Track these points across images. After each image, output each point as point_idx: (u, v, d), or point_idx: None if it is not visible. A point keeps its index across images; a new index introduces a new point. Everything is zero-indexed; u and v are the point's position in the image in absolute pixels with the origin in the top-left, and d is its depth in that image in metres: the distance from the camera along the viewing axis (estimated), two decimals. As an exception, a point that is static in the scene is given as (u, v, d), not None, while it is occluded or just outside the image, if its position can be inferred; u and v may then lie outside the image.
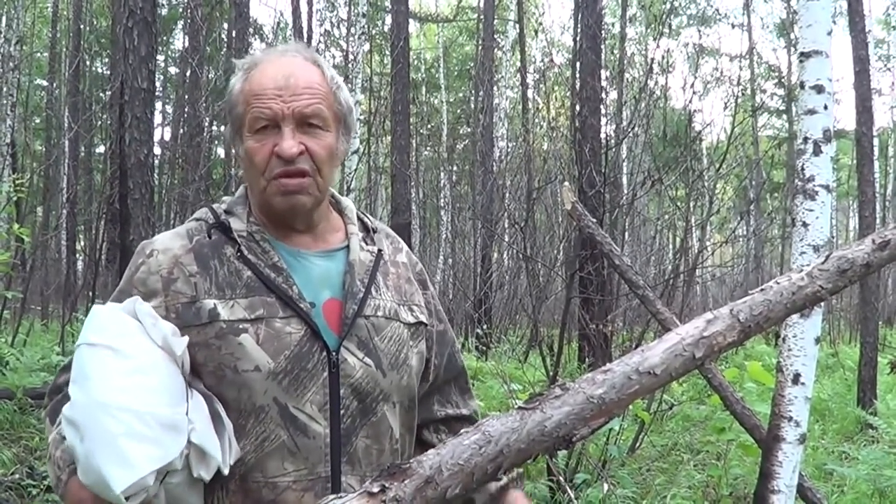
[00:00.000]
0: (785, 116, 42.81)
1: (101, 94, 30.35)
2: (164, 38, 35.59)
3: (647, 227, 23.20)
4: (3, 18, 24.87)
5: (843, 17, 23.27)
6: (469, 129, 34.86)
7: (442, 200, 32.03)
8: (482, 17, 31.57)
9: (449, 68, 44.09)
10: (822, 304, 2.60)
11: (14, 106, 23.25)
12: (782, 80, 43.13)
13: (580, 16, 17.34)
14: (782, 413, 4.77)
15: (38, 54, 34.00)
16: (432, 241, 35.00)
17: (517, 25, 31.72)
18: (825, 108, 4.87)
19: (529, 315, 13.71)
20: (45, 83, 35.69)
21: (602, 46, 17.72)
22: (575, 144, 13.86)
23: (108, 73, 28.80)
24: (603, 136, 15.66)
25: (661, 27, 16.14)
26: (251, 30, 26.58)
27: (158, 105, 35.84)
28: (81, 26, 29.28)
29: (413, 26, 38.19)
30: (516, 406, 1.88)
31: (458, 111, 41.74)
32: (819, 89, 4.88)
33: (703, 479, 8.79)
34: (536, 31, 27.98)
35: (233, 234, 2.37)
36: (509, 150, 28.14)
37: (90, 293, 13.92)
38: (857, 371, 13.44)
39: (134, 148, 10.91)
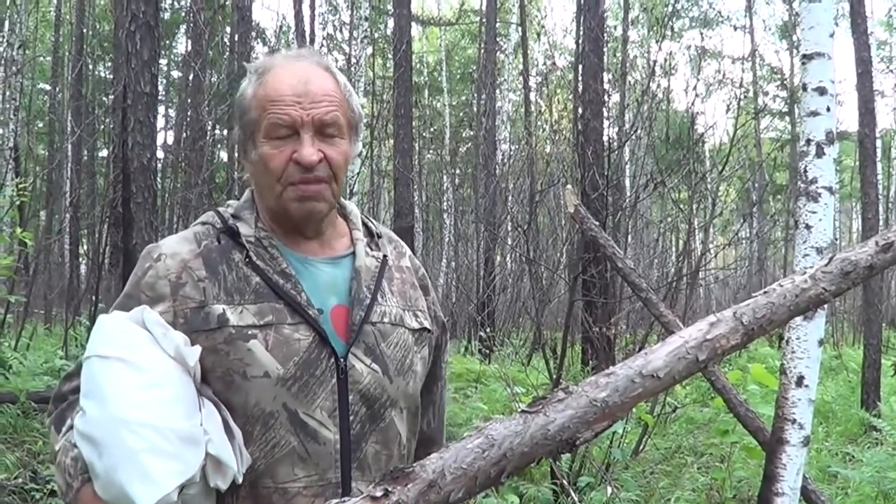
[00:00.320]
0: (787, 118, 42.78)
1: (103, 98, 30.36)
2: (167, 41, 35.59)
3: (649, 230, 23.20)
4: (6, 22, 24.89)
5: (845, 18, 23.29)
6: (472, 133, 34.94)
7: (445, 204, 32.06)
8: (484, 20, 31.55)
9: (451, 71, 44.11)
10: (826, 306, 2.60)
11: (17, 110, 23.27)
12: (784, 82, 43.14)
13: (582, 18, 17.35)
14: (786, 415, 4.77)
15: (41, 58, 33.99)
16: (435, 244, 35.01)
17: (519, 28, 31.75)
18: (828, 109, 4.87)
19: (532, 318, 13.69)
20: (47, 87, 35.71)
21: (604, 49, 17.69)
22: (577, 147, 13.87)
23: (111, 76, 28.87)
24: (606, 138, 15.65)
25: (663, 30, 16.15)
26: (254, 34, 26.59)
27: (161, 109, 35.83)
28: (84, 30, 29.29)
29: (415, 30, 38.23)
30: (519, 409, 1.88)
31: (461, 114, 41.80)
32: (821, 91, 4.88)
33: (707, 481, 8.78)
34: (539, 34, 28.03)
35: (241, 239, 2.37)
36: (512, 153, 28.15)
37: (93, 297, 13.89)
38: (861, 373, 13.43)
39: (137, 152, 10.91)
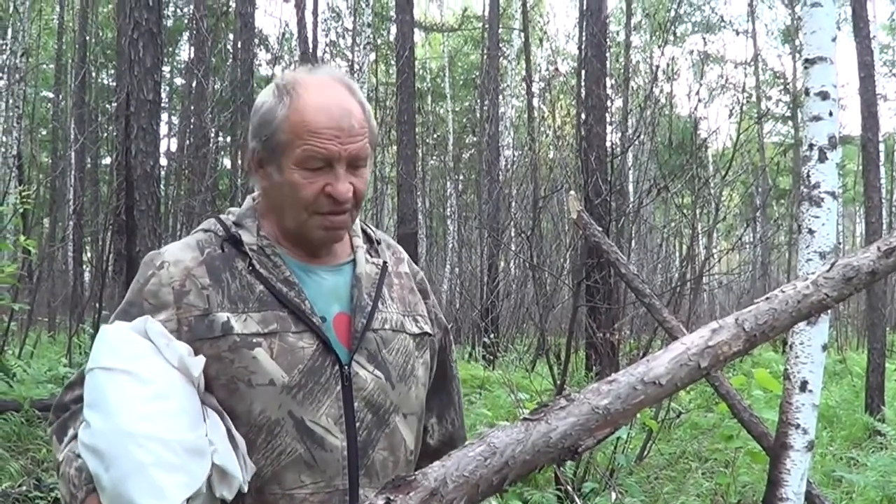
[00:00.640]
0: (790, 123, 42.76)
1: (107, 106, 30.38)
2: (170, 49, 35.62)
3: (653, 235, 23.19)
4: (9, 30, 24.90)
5: (847, 23, 23.31)
6: (475, 138, 34.88)
7: (448, 210, 32.03)
8: (487, 26, 31.57)
9: (454, 77, 44.08)
10: (830, 310, 2.59)
11: (20, 118, 23.28)
12: (787, 86, 43.09)
13: (585, 24, 17.35)
14: (790, 420, 4.76)
15: (44, 66, 34.02)
16: (439, 250, 35.02)
17: (522, 34, 31.73)
18: (830, 114, 4.87)
19: (536, 324, 13.71)
20: (51, 95, 35.74)
21: (607, 54, 17.72)
22: (581, 153, 13.87)
23: (114, 84, 28.88)
24: (608, 144, 15.66)
25: (665, 35, 16.15)
26: (256, 40, 26.60)
27: (164, 116, 35.95)
28: (87, 38, 29.34)
29: (418, 36, 38.21)
30: (522, 417, 1.88)
31: (464, 120, 41.77)
32: (824, 96, 4.88)
33: (712, 486, 8.77)
34: (541, 40, 28.06)
35: (244, 247, 2.37)
36: (515, 158, 28.18)
37: (97, 304, 13.89)
38: (865, 377, 13.41)
39: (140, 159, 10.92)
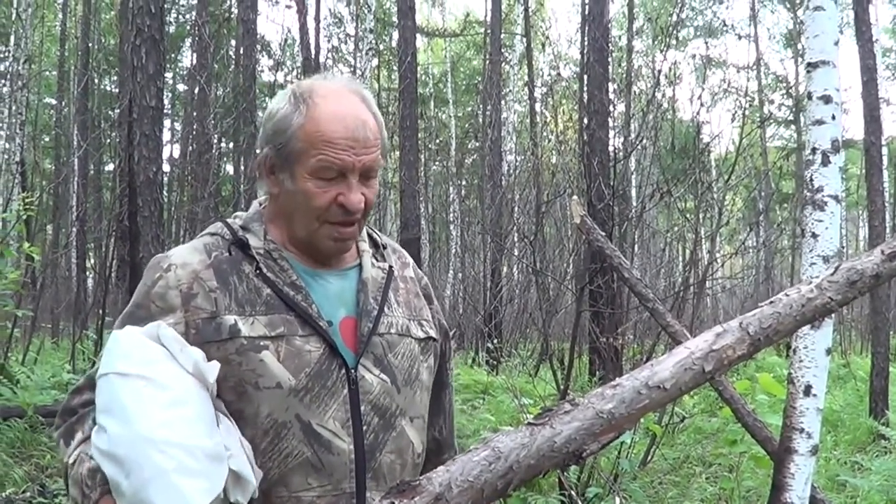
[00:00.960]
0: (793, 127, 42.76)
1: (109, 112, 30.43)
2: (172, 55, 35.70)
3: (656, 240, 23.15)
4: (12, 37, 24.94)
5: (849, 26, 23.27)
6: (477, 144, 34.91)
7: (451, 215, 32.03)
8: (489, 31, 31.61)
9: (457, 83, 44.12)
10: (833, 314, 2.59)
11: (23, 124, 23.32)
12: (790, 90, 43.09)
13: (587, 29, 17.37)
14: (794, 425, 4.76)
15: (47, 73, 34.11)
16: (442, 255, 35.03)
17: (524, 39, 31.78)
18: (833, 118, 4.87)
19: (540, 329, 13.71)
20: (53, 101, 35.84)
21: (609, 59, 17.71)
22: (583, 157, 13.88)
23: (117, 91, 28.91)
24: (611, 148, 15.66)
25: (667, 39, 16.14)
26: (259, 47, 26.65)
27: (167, 122, 35.93)
28: (90, 45, 29.39)
29: (420, 41, 38.24)
30: (526, 421, 1.88)
31: (467, 125, 41.75)
32: (827, 99, 4.88)
33: (716, 491, 8.77)
34: (543, 45, 27.90)
35: (251, 250, 2.37)
36: (518, 163, 28.23)
37: (100, 311, 13.89)
38: (869, 381, 13.39)
39: (143, 165, 10.94)
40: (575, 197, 6.87)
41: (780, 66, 47.22)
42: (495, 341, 18.38)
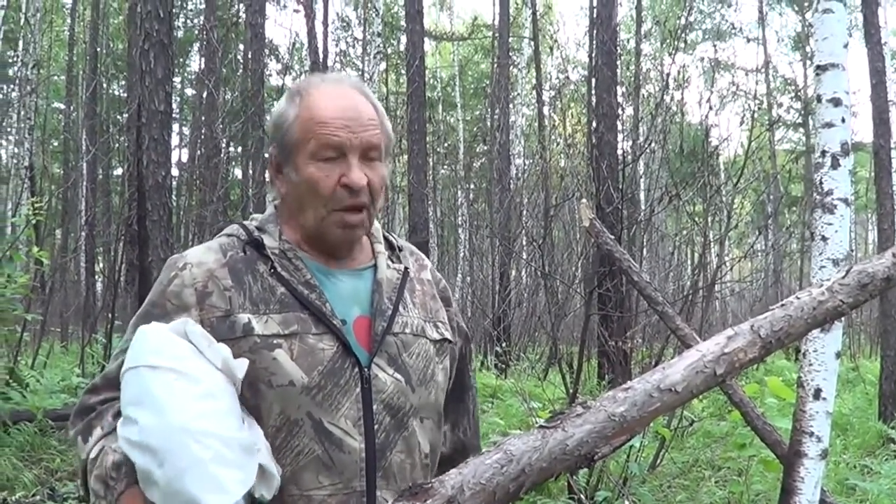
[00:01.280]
0: (802, 130, 42.72)
1: (118, 117, 30.50)
2: (181, 60, 35.72)
3: (665, 243, 23.17)
4: (21, 42, 24.97)
5: (858, 29, 23.26)
6: (485, 147, 34.93)
7: (459, 219, 32.05)
8: (497, 34, 31.55)
9: (465, 86, 44.15)
10: (843, 318, 2.59)
11: (32, 129, 23.33)
12: (798, 93, 43.07)
13: (595, 32, 17.39)
14: (804, 428, 4.75)
15: (56, 78, 34.12)
16: (450, 259, 35.04)
17: (532, 43, 31.74)
18: (842, 121, 4.86)
19: (548, 332, 13.70)
20: (62, 106, 35.86)
21: (618, 62, 17.69)
22: (592, 161, 13.87)
23: (125, 95, 28.99)
24: (620, 152, 15.64)
25: (676, 42, 16.13)
26: (267, 51, 26.66)
27: (175, 127, 35.99)
28: (98, 49, 29.45)
29: (428, 45, 38.28)
30: (537, 424, 1.88)
31: (475, 129, 41.83)
32: (836, 102, 4.87)
33: (725, 495, 8.76)
34: (552, 48, 27.99)
35: (266, 250, 2.39)
36: (526, 167, 28.19)
37: (109, 315, 13.90)
38: (878, 385, 13.38)
39: (152, 170, 10.95)
40: (584, 200, 6.87)
41: (789, 69, 47.12)
42: (504, 345, 18.42)
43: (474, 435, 2.85)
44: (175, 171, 23.10)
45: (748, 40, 45.02)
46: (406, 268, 2.59)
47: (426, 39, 29.13)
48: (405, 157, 22.45)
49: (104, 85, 31.73)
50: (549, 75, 36.02)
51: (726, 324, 23.87)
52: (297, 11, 31.89)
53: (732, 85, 38.63)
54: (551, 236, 17.50)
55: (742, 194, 19.19)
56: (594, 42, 17.64)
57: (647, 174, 19.81)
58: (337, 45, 33.96)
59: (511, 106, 30.88)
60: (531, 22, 31.98)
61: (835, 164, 4.81)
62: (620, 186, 12.52)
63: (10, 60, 29.81)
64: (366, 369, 2.32)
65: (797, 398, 4.86)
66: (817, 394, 4.75)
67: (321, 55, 22.40)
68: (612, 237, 6.12)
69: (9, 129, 28.47)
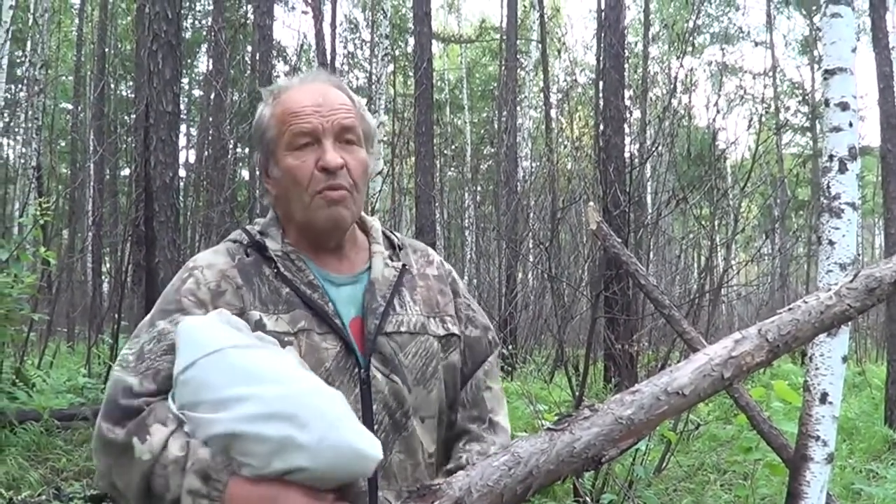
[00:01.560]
0: (809, 134, 42.69)
1: (125, 118, 30.46)
2: (189, 61, 35.77)
3: (671, 247, 23.11)
4: (29, 42, 25.03)
5: (866, 33, 23.23)
6: (493, 150, 34.89)
7: (466, 221, 32.06)
8: (505, 37, 31.61)
9: (472, 89, 44.19)
10: (849, 322, 2.59)
11: (39, 129, 23.38)
12: (806, 97, 43.04)
13: (603, 35, 17.35)
14: (810, 432, 4.75)
15: (63, 78, 34.13)
16: (457, 261, 34.93)
17: (540, 45, 31.75)
18: (850, 125, 4.87)
19: (555, 335, 13.67)
20: (70, 107, 35.85)
21: (625, 65, 17.69)
22: (599, 164, 13.86)
23: (133, 96, 28.94)
24: (627, 155, 15.64)
25: (684, 46, 16.12)
26: (275, 52, 26.67)
27: (183, 128, 36.02)
28: (106, 50, 29.47)
29: (436, 47, 38.26)
30: (545, 427, 1.89)
31: (482, 131, 41.82)
32: (844, 106, 4.87)
33: (731, 499, 8.76)
34: (559, 51, 27.90)
35: (269, 252, 2.42)
36: (533, 169, 28.16)
37: (116, 315, 13.91)
38: (885, 389, 13.36)
39: (159, 171, 10.96)
40: (591, 203, 6.87)
41: (796, 73, 47.05)
42: (510, 347, 18.39)
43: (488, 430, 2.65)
44: (182, 172, 23.15)
45: (756, 44, 44.95)
46: (404, 265, 2.59)
47: (434, 42, 29.14)
48: (412, 158, 22.42)
49: (112, 85, 31.73)
50: (556, 78, 36.05)
51: (732, 328, 23.85)
52: (305, 13, 31.90)
53: (740, 88, 38.55)
54: (558, 239, 17.51)
55: (749, 198, 19.18)
56: (602, 45, 17.58)
57: (654, 177, 19.77)
58: (345, 47, 34.05)
59: (518, 108, 30.84)
60: (539, 24, 31.98)
61: (842, 168, 4.81)
62: (627, 189, 12.53)
63: (19, 60, 29.85)
64: (363, 370, 2.34)
65: (803, 402, 4.86)
66: (824, 398, 4.75)
67: (329, 57, 22.40)
68: (619, 240, 6.12)
69: (16, 129, 28.53)
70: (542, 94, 33.06)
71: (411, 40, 29.25)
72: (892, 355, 13.32)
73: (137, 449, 2.10)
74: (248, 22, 25.48)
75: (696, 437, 11.52)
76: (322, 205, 2.36)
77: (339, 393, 2.10)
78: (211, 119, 23.52)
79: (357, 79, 37.78)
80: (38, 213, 10.58)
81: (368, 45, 33.67)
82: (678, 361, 2.03)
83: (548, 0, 36.05)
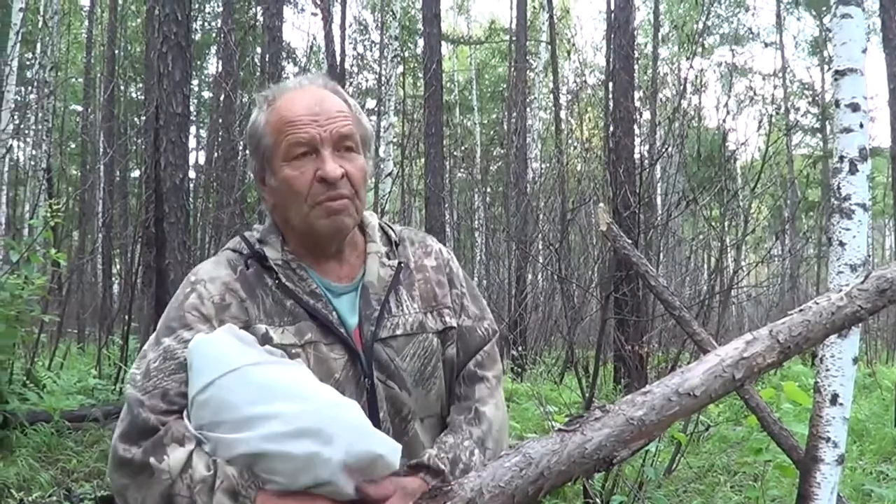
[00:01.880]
0: (819, 135, 42.65)
1: (135, 119, 30.54)
2: (198, 62, 35.83)
3: (681, 248, 23.12)
4: (39, 45, 25.07)
5: (876, 34, 23.21)
6: (502, 151, 34.84)
7: (476, 222, 32.02)
8: (514, 38, 31.59)
9: (482, 90, 44.19)
10: (860, 323, 2.59)
11: (50, 131, 23.46)
12: (816, 98, 42.99)
13: (612, 36, 17.35)
14: (820, 434, 4.75)
15: (73, 80, 34.19)
16: (467, 262, 34.91)
17: (549, 47, 31.69)
18: (861, 126, 4.86)
19: (564, 336, 13.67)
20: (80, 109, 35.89)
21: (635, 66, 17.67)
22: (609, 165, 13.85)
23: (143, 98, 28.96)
24: (637, 156, 15.61)
25: (693, 47, 16.10)
26: (284, 54, 26.67)
27: (193, 129, 36.03)
28: (116, 52, 29.49)
29: (446, 49, 38.30)
30: (556, 428, 1.89)
31: (492, 133, 41.75)
32: (854, 107, 4.86)
33: (741, 500, 8.74)
34: (569, 52, 27.90)
35: (269, 262, 2.40)
36: (543, 171, 28.11)
37: (126, 316, 13.91)
38: (895, 391, 13.33)
39: (169, 172, 10.97)
40: (601, 204, 6.86)
41: (806, 74, 47.01)
42: (520, 349, 18.38)
43: (473, 421, 2.52)
44: (192, 174, 23.16)
45: (766, 45, 44.96)
46: (400, 262, 2.57)
47: (443, 43, 29.13)
48: (422, 160, 22.42)
49: (122, 87, 31.76)
50: (566, 79, 36.04)
51: (742, 329, 23.82)
52: (314, 15, 31.96)
53: (750, 90, 38.50)
54: (568, 240, 17.51)
55: (759, 199, 19.18)
56: (611, 46, 17.58)
57: (664, 178, 19.77)
58: (354, 49, 34.03)
59: (528, 109, 30.83)
60: (548, 26, 31.93)
61: (853, 169, 4.80)
62: (637, 191, 12.51)
63: (29, 62, 29.92)
64: (367, 379, 2.34)
65: (814, 403, 4.85)
66: (834, 399, 4.74)
67: (338, 58, 22.43)
68: (629, 241, 6.11)
69: (27, 131, 28.58)
70: (551, 96, 33.09)
71: (421, 42, 29.25)
72: (902, 357, 13.30)
73: (155, 468, 2.09)
74: (257, 24, 25.50)
75: (707, 439, 11.50)
76: (322, 214, 2.35)
77: (353, 402, 2.11)
78: (221, 121, 23.49)
79: (367, 80, 37.87)
80: (48, 214, 10.57)
81: (378, 46, 33.69)
82: (688, 363, 2.03)
83: (557, 1, 36.08)
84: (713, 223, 14.46)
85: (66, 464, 9.19)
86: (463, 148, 36.74)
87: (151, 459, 2.09)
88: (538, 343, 22.19)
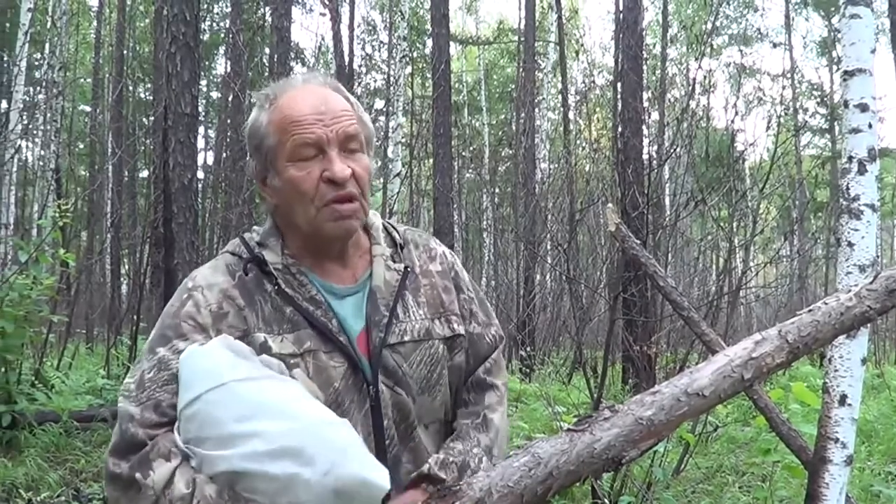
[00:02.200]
0: (828, 135, 42.60)
1: (144, 120, 30.63)
2: (207, 63, 35.84)
3: (690, 248, 23.10)
4: (47, 45, 25.10)
5: (884, 34, 23.19)
6: (511, 151, 34.87)
7: (484, 223, 32.06)
8: (523, 39, 31.62)
9: (490, 90, 44.17)
10: (868, 324, 2.58)
11: (58, 132, 23.47)
12: (824, 98, 42.95)
13: (621, 37, 17.35)
14: (829, 434, 4.74)
15: (82, 80, 34.22)
16: (475, 263, 34.97)
17: (558, 47, 31.68)
18: (869, 126, 4.84)
19: (573, 337, 13.67)
20: (88, 109, 35.96)
21: (643, 67, 17.66)
22: (617, 166, 13.83)
23: (151, 98, 29.08)
24: (645, 156, 15.60)
25: (702, 47, 16.09)
26: (293, 54, 26.69)
27: (201, 130, 36.11)
28: (124, 52, 29.58)
29: (454, 49, 38.28)
30: (564, 428, 1.89)
31: (500, 133, 41.78)
32: (863, 108, 4.85)
33: (749, 501, 8.72)
34: (577, 53, 27.92)
35: (268, 267, 2.37)
36: (551, 171, 28.13)
37: (135, 317, 13.93)
38: (904, 391, 13.32)
39: (178, 172, 10.98)
40: (610, 205, 6.86)
41: (815, 74, 47.03)
42: (528, 349, 18.36)
43: (480, 427, 2.56)
44: (201, 174, 23.21)
45: (774, 45, 44.86)
46: (406, 267, 2.55)
47: (452, 43, 29.14)
48: (430, 160, 22.44)
49: (130, 87, 31.86)
50: (574, 79, 35.96)
51: (751, 329, 23.80)
52: (323, 15, 31.98)
53: (758, 90, 38.47)
54: (576, 241, 17.47)
55: (768, 200, 19.13)
56: (620, 46, 17.58)
57: (672, 179, 19.76)
58: (363, 49, 34.00)
59: (536, 110, 30.84)
60: (557, 26, 31.91)
61: (861, 170, 4.79)
62: (646, 191, 12.49)
63: (37, 63, 29.96)
64: (371, 386, 2.32)
65: (822, 404, 4.84)
66: (843, 400, 4.73)
67: (347, 59, 22.44)
68: (638, 242, 6.10)
69: (35, 132, 28.60)
70: (560, 96, 33.03)
71: (429, 42, 29.29)
72: (911, 357, 13.29)
73: (142, 484, 2.09)
74: (265, 24, 25.55)
75: (715, 439, 11.49)
76: (330, 217, 2.32)
77: (344, 421, 2.09)
78: (229, 121, 23.54)
79: (375, 81, 37.87)
80: (57, 215, 10.59)
81: (386, 46, 33.67)
82: (697, 363, 2.03)
83: (566, 1, 36.08)
84: (721, 224, 14.44)
85: (75, 464, 9.20)
86: (471, 148, 36.79)
87: (138, 475, 2.10)
88: (546, 343, 22.18)
